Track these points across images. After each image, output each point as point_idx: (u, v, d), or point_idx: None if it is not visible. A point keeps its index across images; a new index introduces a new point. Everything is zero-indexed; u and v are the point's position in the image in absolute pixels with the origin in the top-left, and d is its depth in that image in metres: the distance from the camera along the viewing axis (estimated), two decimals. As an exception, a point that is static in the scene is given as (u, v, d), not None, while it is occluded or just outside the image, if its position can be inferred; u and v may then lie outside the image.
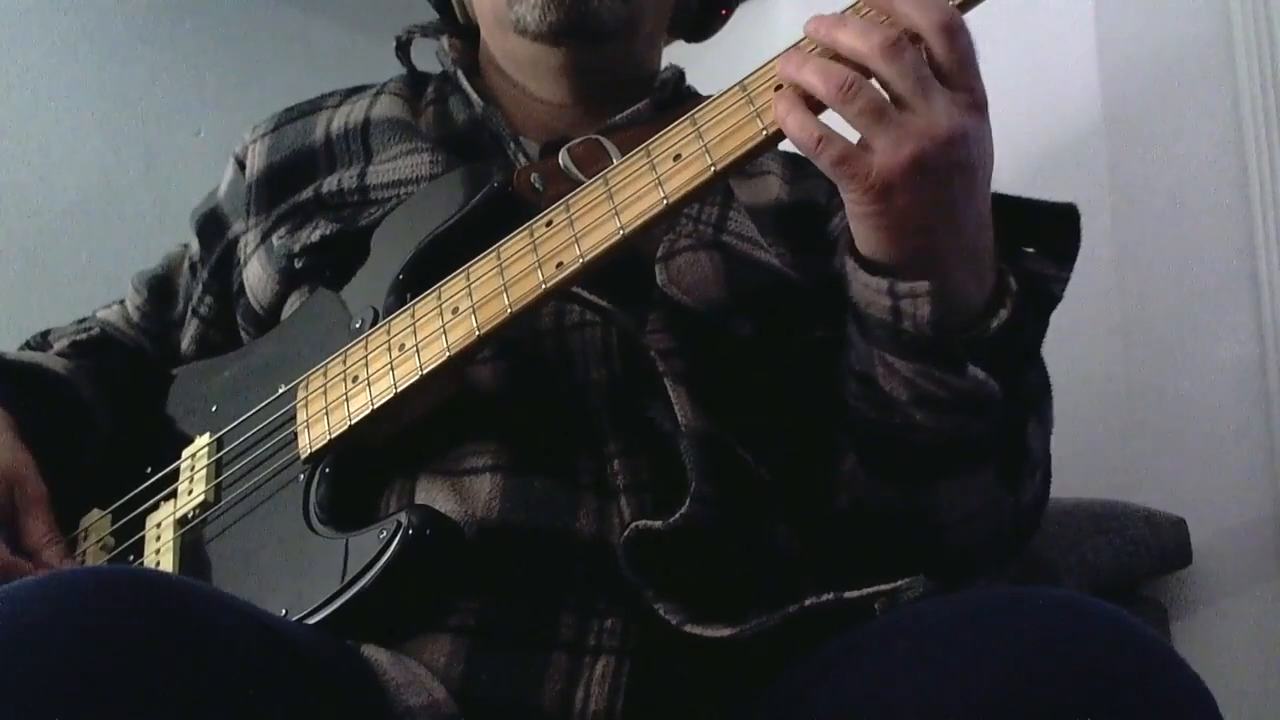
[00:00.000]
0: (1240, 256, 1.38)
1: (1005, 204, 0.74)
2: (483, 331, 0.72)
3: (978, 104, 0.66)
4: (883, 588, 0.66)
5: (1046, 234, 0.75)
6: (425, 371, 0.73)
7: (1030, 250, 0.75)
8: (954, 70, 0.64)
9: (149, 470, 0.87)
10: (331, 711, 0.60)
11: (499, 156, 0.90)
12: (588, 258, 0.70)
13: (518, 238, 0.74)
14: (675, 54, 1.04)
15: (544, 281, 0.71)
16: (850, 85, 0.64)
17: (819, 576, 0.78)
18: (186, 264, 1.02)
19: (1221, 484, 1.37)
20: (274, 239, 0.90)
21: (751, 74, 0.69)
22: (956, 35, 0.64)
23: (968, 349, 0.70)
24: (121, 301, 1.06)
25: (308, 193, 0.90)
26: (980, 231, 0.69)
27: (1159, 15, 1.45)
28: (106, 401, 0.95)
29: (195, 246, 1.01)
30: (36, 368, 0.93)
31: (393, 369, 0.75)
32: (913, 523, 0.78)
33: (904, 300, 0.68)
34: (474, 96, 0.93)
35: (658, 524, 0.70)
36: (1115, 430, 1.44)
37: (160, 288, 1.04)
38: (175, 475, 0.85)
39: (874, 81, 0.65)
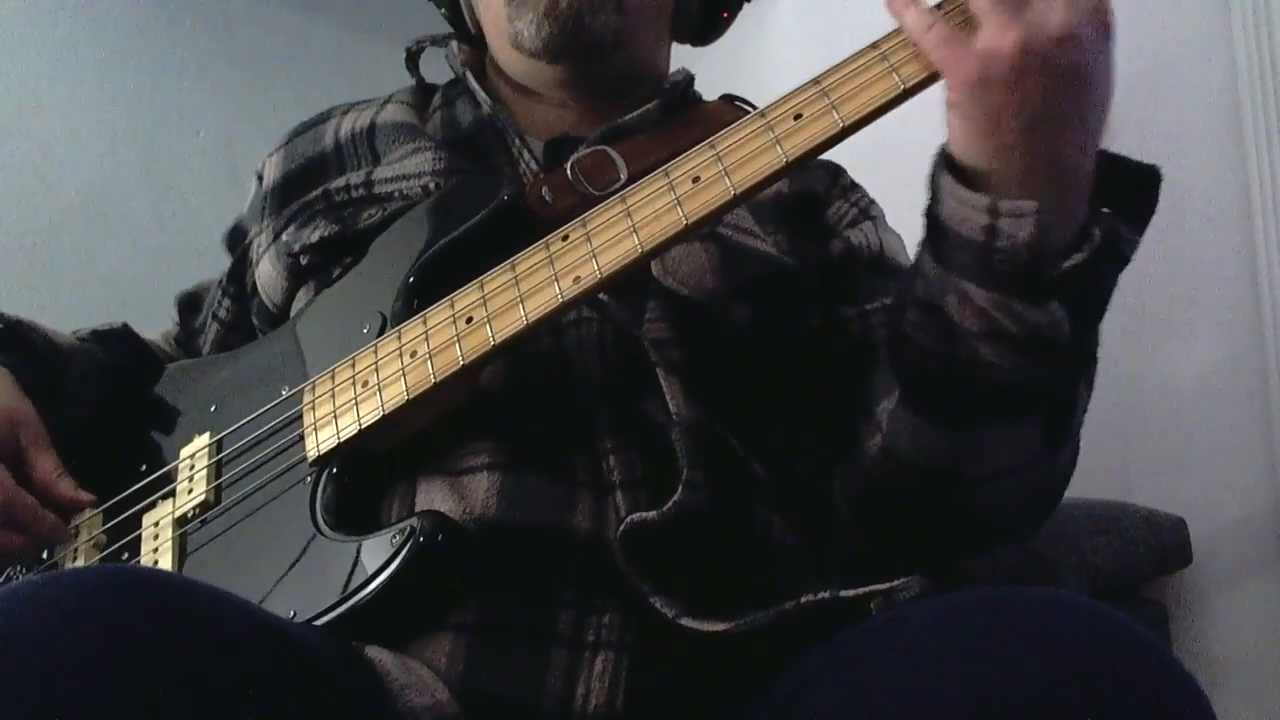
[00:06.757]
0: (1240, 256, 1.38)
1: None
2: (497, 341, 0.73)
3: (1101, 14, 0.63)
4: (879, 587, 0.66)
5: (1126, 194, 0.71)
6: (438, 379, 0.74)
7: (1107, 210, 0.70)
8: None
9: (143, 468, 0.87)
10: (335, 713, 0.60)
11: (503, 155, 0.91)
12: (605, 273, 0.71)
13: (534, 251, 0.75)
14: (673, 53, 1.04)
15: (561, 294, 0.72)
16: None
17: (817, 570, 0.78)
18: (217, 280, 1.03)
19: (1221, 484, 1.37)
20: (283, 236, 0.91)
21: (773, 104, 0.70)
22: None
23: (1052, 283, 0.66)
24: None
25: (316, 192, 0.91)
26: (1082, 156, 0.65)
27: (1159, 15, 1.45)
28: (97, 387, 0.94)
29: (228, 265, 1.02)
30: (28, 326, 0.93)
31: (404, 375, 0.75)
32: (942, 475, 0.75)
33: (1004, 219, 0.64)
34: (482, 96, 0.94)
35: (652, 515, 0.70)
36: (1115, 430, 1.44)
37: (189, 302, 1.06)
38: (172, 474, 0.85)
39: None
